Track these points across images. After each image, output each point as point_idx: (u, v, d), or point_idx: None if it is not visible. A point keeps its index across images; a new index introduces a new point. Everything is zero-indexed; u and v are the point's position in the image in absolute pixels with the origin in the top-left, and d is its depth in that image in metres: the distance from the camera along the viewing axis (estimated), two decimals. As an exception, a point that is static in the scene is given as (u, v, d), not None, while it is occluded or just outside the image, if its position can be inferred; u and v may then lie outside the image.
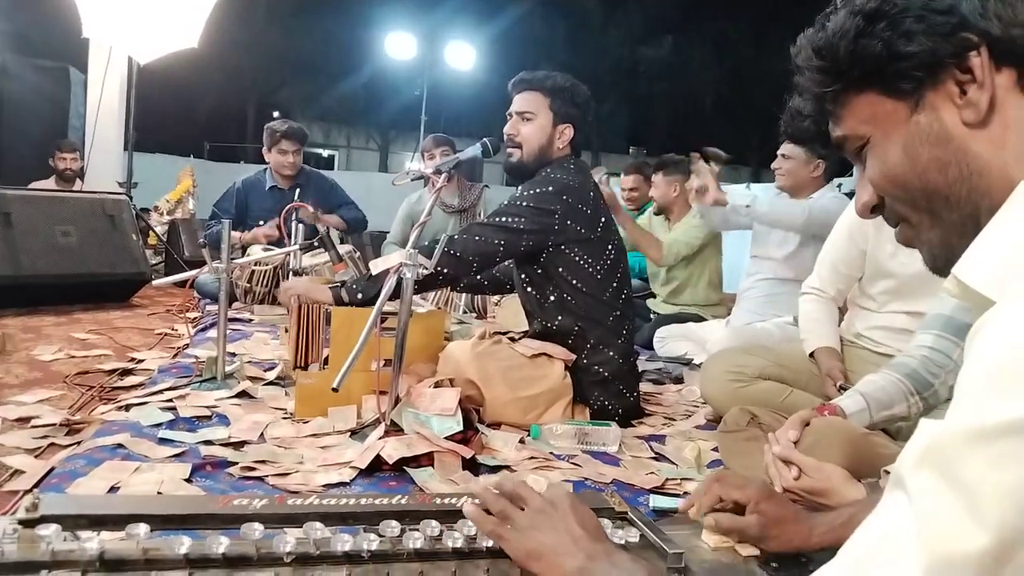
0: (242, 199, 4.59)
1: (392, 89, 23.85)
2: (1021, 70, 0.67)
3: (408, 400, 1.96)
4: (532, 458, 1.94)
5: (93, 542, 0.87)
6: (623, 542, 1.04)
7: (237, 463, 1.71)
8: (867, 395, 1.66)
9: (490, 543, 0.98)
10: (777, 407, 2.02)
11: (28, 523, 0.87)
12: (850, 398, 1.68)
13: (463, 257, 2.22)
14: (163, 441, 1.83)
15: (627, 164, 5.24)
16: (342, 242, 4.41)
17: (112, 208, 4.25)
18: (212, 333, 3.00)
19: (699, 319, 3.82)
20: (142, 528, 0.89)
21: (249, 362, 2.64)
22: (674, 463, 2.00)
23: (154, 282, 2.77)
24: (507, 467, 1.87)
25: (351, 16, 22.74)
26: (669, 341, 3.65)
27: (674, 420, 2.45)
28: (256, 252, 3.89)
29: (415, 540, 0.95)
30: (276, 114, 22.48)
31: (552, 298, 2.33)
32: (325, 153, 27.68)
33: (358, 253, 2.61)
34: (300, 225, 3.24)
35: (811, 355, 2.22)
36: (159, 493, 1.52)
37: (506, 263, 2.49)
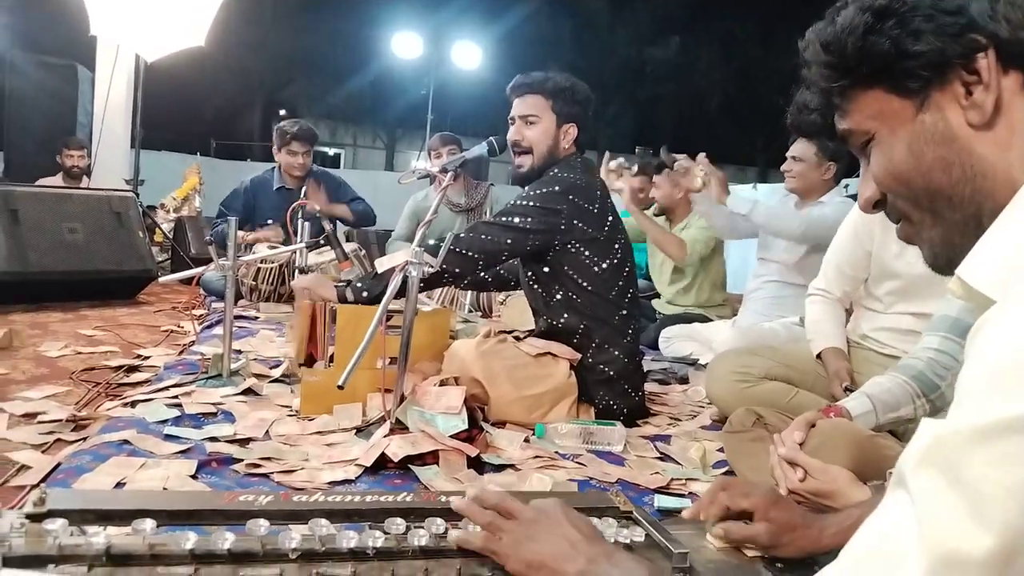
0: (250, 198, 4.59)
1: (399, 88, 23.89)
2: None
3: (413, 398, 1.96)
4: (537, 457, 1.94)
5: (100, 537, 0.87)
6: (628, 541, 1.04)
7: (242, 460, 1.71)
8: (873, 397, 1.66)
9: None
10: (783, 408, 2.01)
11: (35, 517, 0.88)
12: (856, 400, 1.67)
13: (469, 255, 2.22)
14: (169, 437, 1.84)
15: (633, 164, 5.23)
16: (348, 240, 4.43)
17: (119, 205, 4.26)
18: (218, 330, 3.01)
19: (704, 319, 3.81)
20: (148, 523, 0.90)
21: (255, 359, 2.64)
22: (679, 463, 2.00)
23: (160, 279, 2.77)
24: (512, 466, 1.87)
25: (358, 15, 22.77)
26: (674, 341, 3.64)
27: (679, 420, 2.45)
28: (262, 250, 3.90)
29: (420, 537, 0.95)
30: (283, 112, 22.55)
31: (558, 297, 2.33)
32: (331, 151, 27.71)
33: (363, 251, 2.61)
34: (306, 223, 3.25)
35: (818, 356, 2.21)
36: (165, 489, 1.53)
37: (511, 261, 2.49)
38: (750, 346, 2.60)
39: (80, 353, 2.75)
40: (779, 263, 3.29)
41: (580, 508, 1.10)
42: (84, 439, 1.80)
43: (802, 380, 2.26)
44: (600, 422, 2.14)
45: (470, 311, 3.95)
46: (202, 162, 7.81)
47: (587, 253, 2.29)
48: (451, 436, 1.84)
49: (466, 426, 1.88)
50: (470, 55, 20.93)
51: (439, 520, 0.99)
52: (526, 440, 2.05)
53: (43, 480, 1.54)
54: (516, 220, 2.24)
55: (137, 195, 4.82)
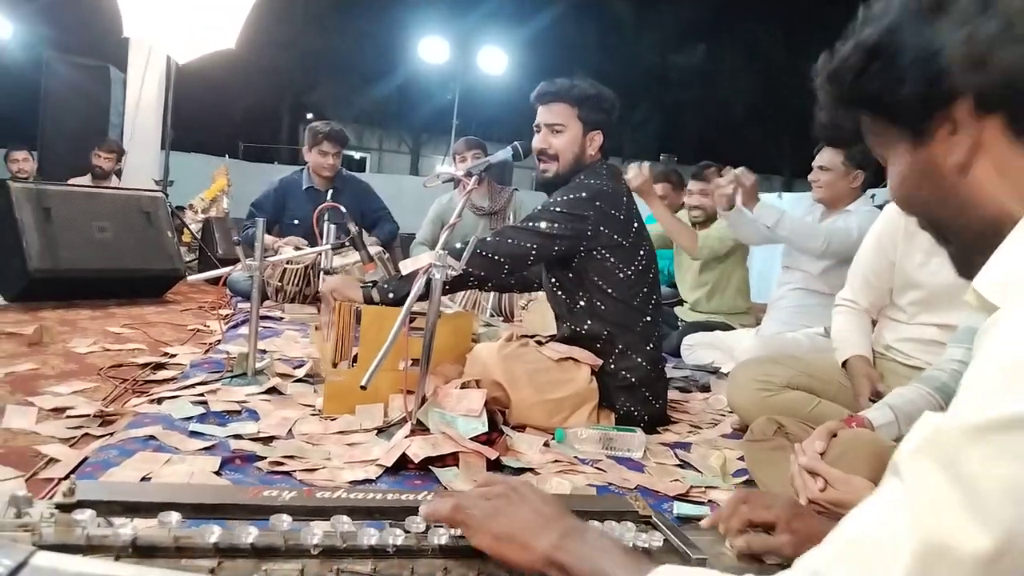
0: (280, 198, 4.63)
1: (425, 93, 23.98)
2: (1009, 114, 0.67)
3: (434, 400, 1.97)
4: (556, 461, 1.95)
5: (127, 528, 0.88)
6: (647, 545, 1.04)
7: (266, 457, 1.74)
8: (896, 408, 1.65)
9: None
10: (804, 417, 2.00)
11: (65, 507, 0.90)
12: (879, 411, 1.66)
13: (495, 259, 2.23)
14: (194, 434, 1.87)
15: (657, 171, 5.21)
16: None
17: (148, 205, 4.32)
18: (244, 330, 3.05)
19: (727, 327, 3.79)
20: (174, 516, 0.91)
21: (279, 359, 2.67)
22: (699, 471, 1.99)
23: (188, 279, 2.81)
24: (531, 469, 1.87)
25: (386, 20, 22.90)
26: (697, 349, 3.63)
27: (700, 428, 2.44)
28: (288, 251, 3.94)
29: (440, 536, 0.96)
30: (310, 116, 22.70)
31: (582, 303, 2.33)
32: (357, 155, 27.88)
33: (388, 254, 2.63)
34: (332, 225, 3.28)
35: (843, 364, 2.19)
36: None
37: (536, 265, 2.49)
38: (772, 355, 2.58)
39: (108, 350, 2.79)
40: (804, 272, 3.27)
41: (599, 511, 1.10)
42: (111, 434, 1.84)
43: (824, 390, 2.24)
44: (620, 428, 2.14)
45: (492, 316, 3.96)
46: (230, 164, 7.88)
47: (612, 259, 2.29)
48: (471, 438, 1.85)
49: (486, 429, 1.89)
50: (496, 60, 20.97)
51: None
52: (546, 444, 2.06)
53: (70, 473, 1.56)
54: (543, 225, 2.25)
55: (166, 195, 4.88)
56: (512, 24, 22.37)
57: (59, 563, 0.64)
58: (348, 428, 2.02)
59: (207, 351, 2.90)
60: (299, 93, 25.50)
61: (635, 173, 3.49)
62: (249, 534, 0.90)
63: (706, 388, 3.04)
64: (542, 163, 2.40)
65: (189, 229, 5.90)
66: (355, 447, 1.90)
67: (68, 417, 1.95)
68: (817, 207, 3.23)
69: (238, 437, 1.87)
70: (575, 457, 2.00)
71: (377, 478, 1.71)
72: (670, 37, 24.38)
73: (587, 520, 1.06)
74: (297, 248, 4.10)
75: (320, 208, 3.08)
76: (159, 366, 2.60)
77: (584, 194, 2.27)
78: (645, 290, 2.35)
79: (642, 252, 2.35)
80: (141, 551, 0.88)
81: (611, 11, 24.25)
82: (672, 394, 2.75)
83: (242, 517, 0.96)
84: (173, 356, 2.76)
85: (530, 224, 2.27)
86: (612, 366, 2.30)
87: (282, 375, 2.48)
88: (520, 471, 1.85)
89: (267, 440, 1.88)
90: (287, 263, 4.03)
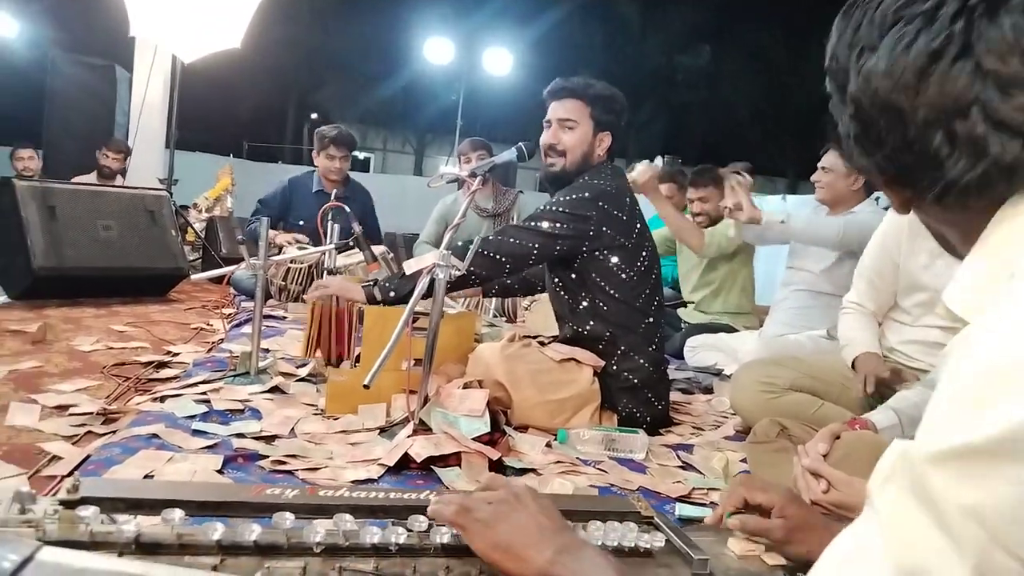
0: (287, 196, 4.63)
1: (429, 93, 24.00)
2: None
3: (437, 400, 1.98)
4: (558, 462, 1.95)
5: (130, 525, 0.89)
6: (648, 546, 1.04)
7: (268, 456, 1.74)
8: (899, 411, 1.65)
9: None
10: (808, 419, 2.00)
11: (69, 504, 0.90)
12: (882, 413, 1.66)
13: (496, 258, 2.23)
14: (196, 433, 1.87)
15: (662, 172, 5.20)
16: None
17: (152, 204, 4.33)
18: (247, 329, 3.06)
19: (730, 329, 3.79)
20: (177, 513, 0.91)
21: (282, 358, 2.68)
22: (701, 473, 1.99)
23: (191, 277, 2.82)
24: (533, 470, 1.87)
25: (391, 20, 22.91)
26: (700, 351, 3.63)
27: (703, 430, 2.44)
28: (292, 251, 3.94)
29: (442, 535, 0.96)
30: (314, 116, 22.73)
31: (584, 304, 2.33)
32: (361, 155, 27.87)
33: (391, 254, 2.63)
34: (336, 225, 3.28)
35: (852, 364, 2.18)
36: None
37: (538, 265, 2.49)
38: (776, 357, 2.58)
39: (112, 348, 2.79)
40: (808, 272, 3.26)
41: (601, 512, 1.10)
42: (114, 432, 1.84)
43: (827, 392, 2.24)
44: (623, 429, 2.14)
45: (495, 316, 3.96)
46: (234, 163, 7.90)
47: (615, 260, 2.29)
48: (473, 439, 1.85)
49: (488, 429, 1.89)
50: (501, 61, 20.96)
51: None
52: (548, 445, 2.06)
53: (73, 471, 1.57)
54: (545, 225, 2.25)
55: (171, 194, 4.89)
56: (517, 25, 22.36)
57: (64, 558, 0.64)
58: (350, 428, 2.03)
59: (210, 350, 2.91)
60: (304, 93, 25.54)
61: (642, 169, 3.47)
62: (252, 531, 0.90)
63: (709, 390, 3.05)
64: (549, 158, 2.39)
65: (193, 228, 5.91)
66: (357, 446, 1.90)
67: (71, 415, 1.96)
68: (821, 209, 3.23)
69: (240, 436, 1.88)
70: (577, 458, 2.00)
71: (379, 478, 1.71)
72: (674, 39, 24.36)
73: (589, 520, 1.06)
74: (298, 243, 4.11)
75: (324, 208, 3.08)
76: (162, 364, 2.61)
77: (587, 194, 2.27)
78: (648, 291, 2.35)
79: (644, 253, 2.34)
80: (144, 547, 0.89)
81: (616, 12, 24.23)
82: (675, 396, 2.75)
83: (245, 515, 0.97)
84: (176, 355, 2.76)
85: (532, 224, 2.26)
86: (614, 367, 2.30)
87: (285, 374, 2.48)
88: (522, 471, 1.86)
89: (269, 439, 1.89)
90: (291, 262, 4.03)
